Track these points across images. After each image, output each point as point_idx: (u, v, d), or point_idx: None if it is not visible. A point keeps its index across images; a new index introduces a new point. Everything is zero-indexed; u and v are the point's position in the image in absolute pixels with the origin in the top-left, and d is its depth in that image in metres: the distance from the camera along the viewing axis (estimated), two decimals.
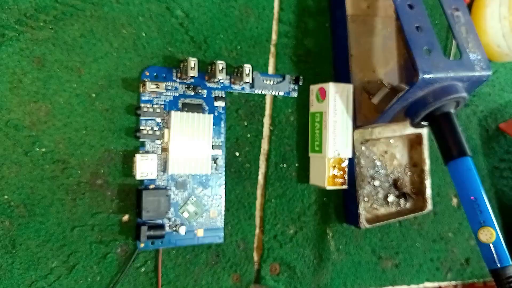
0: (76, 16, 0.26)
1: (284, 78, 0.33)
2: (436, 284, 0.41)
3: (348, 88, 0.32)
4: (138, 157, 0.27)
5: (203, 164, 0.29)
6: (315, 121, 0.33)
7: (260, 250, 0.33)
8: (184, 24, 0.30)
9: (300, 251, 0.34)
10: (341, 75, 0.34)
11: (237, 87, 0.31)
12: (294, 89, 0.33)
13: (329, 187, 0.32)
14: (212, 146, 0.30)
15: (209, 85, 0.30)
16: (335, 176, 0.32)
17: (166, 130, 0.28)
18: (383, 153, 0.37)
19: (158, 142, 0.28)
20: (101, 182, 0.27)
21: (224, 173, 0.31)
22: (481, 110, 0.44)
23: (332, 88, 0.32)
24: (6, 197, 0.25)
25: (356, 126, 0.33)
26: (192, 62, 0.28)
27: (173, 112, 0.28)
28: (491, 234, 0.26)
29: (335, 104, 0.32)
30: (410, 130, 0.36)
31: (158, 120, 0.28)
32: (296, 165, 0.34)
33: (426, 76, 0.27)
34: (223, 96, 0.31)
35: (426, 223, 0.40)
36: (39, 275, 0.25)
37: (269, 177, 0.33)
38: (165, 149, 0.28)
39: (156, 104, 0.28)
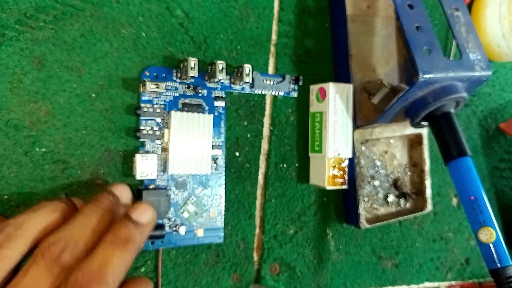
0: (76, 16, 0.26)
1: (284, 78, 0.33)
2: (436, 284, 0.41)
3: (348, 88, 0.32)
4: (138, 157, 0.27)
5: (203, 164, 0.29)
6: (315, 121, 0.33)
7: (260, 250, 0.33)
8: (184, 24, 0.30)
9: (300, 251, 0.34)
10: (341, 75, 0.34)
11: (237, 87, 0.31)
12: (294, 89, 0.33)
13: (329, 187, 0.32)
14: (212, 146, 0.30)
15: (209, 85, 0.30)
16: (335, 176, 0.32)
17: (166, 130, 0.28)
18: (383, 153, 0.37)
19: (158, 142, 0.28)
20: (101, 182, 0.27)
21: (224, 173, 0.31)
22: (481, 110, 0.44)
23: (332, 88, 0.32)
24: (6, 197, 0.25)
25: (356, 126, 0.33)
26: (192, 62, 0.28)
27: (173, 112, 0.28)
28: (491, 234, 0.26)
29: (335, 104, 0.32)
30: (410, 130, 0.36)
31: (158, 120, 0.28)
32: (296, 165, 0.34)
33: (426, 76, 0.27)
34: (223, 96, 0.31)
35: (426, 223, 0.40)
36: None
37: (269, 177, 0.33)
38: (165, 149, 0.28)
39: (156, 104, 0.28)
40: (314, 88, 0.33)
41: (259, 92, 0.32)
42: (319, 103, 0.32)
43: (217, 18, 0.31)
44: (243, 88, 0.31)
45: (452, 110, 0.30)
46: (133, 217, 0.23)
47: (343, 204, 0.36)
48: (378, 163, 0.36)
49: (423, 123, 0.31)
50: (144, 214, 0.23)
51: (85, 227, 0.21)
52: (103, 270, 0.20)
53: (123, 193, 0.25)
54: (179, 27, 0.30)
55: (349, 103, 0.32)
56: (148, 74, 0.28)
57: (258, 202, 0.33)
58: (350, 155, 0.32)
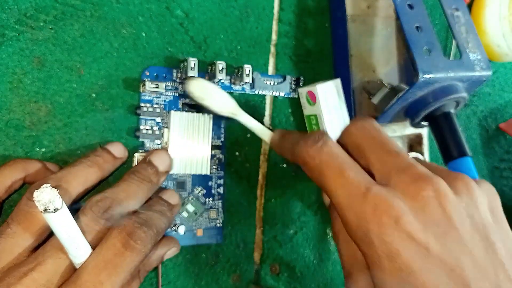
0: (76, 16, 0.27)
1: (284, 79, 0.33)
2: None
3: (336, 83, 0.31)
4: (137, 156, 0.27)
5: (202, 164, 0.29)
6: (311, 123, 0.33)
7: (260, 250, 0.33)
8: (184, 24, 0.30)
9: (300, 251, 0.34)
10: (341, 75, 0.34)
11: (237, 88, 0.31)
12: (294, 90, 0.33)
13: None
14: (212, 146, 0.30)
15: None
16: None
17: (165, 130, 0.28)
18: None
19: (158, 141, 0.28)
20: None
21: (223, 173, 0.31)
22: (481, 110, 0.44)
23: (320, 90, 0.31)
24: None
25: None
26: (192, 62, 0.28)
27: (172, 112, 0.28)
28: None
29: (327, 104, 0.31)
30: (410, 130, 0.36)
31: (158, 119, 0.28)
32: (296, 165, 0.34)
33: (426, 76, 0.27)
34: None
35: None
36: None
37: (269, 177, 0.33)
38: (164, 149, 0.28)
39: (156, 104, 0.28)
40: (302, 92, 0.33)
41: (260, 93, 0.32)
42: (311, 106, 0.32)
43: (217, 18, 0.31)
44: (243, 89, 0.31)
45: (452, 110, 0.30)
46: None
47: None
48: None
49: (423, 123, 0.31)
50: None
51: (127, 193, 0.24)
52: (148, 221, 0.22)
53: (162, 161, 0.26)
54: (179, 27, 0.30)
55: (340, 97, 0.31)
56: (148, 74, 0.28)
57: (258, 202, 0.33)
58: None
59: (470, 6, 0.43)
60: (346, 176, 0.21)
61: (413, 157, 0.23)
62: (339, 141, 0.24)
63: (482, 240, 0.19)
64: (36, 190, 0.17)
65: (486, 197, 0.20)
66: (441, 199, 0.19)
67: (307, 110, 0.33)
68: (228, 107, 0.28)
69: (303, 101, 0.33)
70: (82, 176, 0.23)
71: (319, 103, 0.31)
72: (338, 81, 0.32)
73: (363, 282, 0.19)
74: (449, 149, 0.29)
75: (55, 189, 0.17)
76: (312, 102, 0.32)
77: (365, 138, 0.23)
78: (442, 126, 0.29)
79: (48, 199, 0.17)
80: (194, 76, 0.28)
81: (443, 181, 0.20)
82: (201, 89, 0.27)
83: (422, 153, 0.37)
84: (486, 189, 0.21)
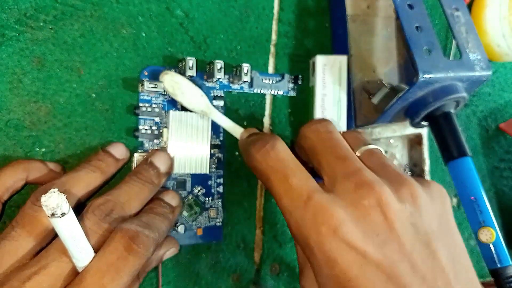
0: (76, 16, 0.27)
1: (283, 77, 0.33)
2: None
3: (341, 60, 0.31)
4: (136, 156, 0.27)
5: (202, 163, 0.29)
6: (309, 96, 0.32)
7: (260, 250, 0.33)
8: (184, 24, 0.30)
9: None
10: None
11: (236, 87, 0.31)
12: (293, 88, 0.33)
13: None
14: (212, 145, 0.30)
15: (208, 84, 0.30)
16: None
17: (164, 130, 0.28)
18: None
19: (157, 141, 0.28)
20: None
21: (223, 172, 0.31)
22: (481, 110, 0.44)
23: (319, 60, 0.31)
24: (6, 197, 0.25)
25: (356, 126, 0.33)
26: (190, 61, 0.28)
27: (171, 112, 0.28)
28: (491, 234, 0.26)
29: (323, 77, 0.31)
30: (410, 130, 0.36)
31: (157, 119, 0.28)
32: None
33: (426, 76, 0.27)
34: (222, 95, 0.31)
35: None
36: None
37: None
38: (164, 149, 0.28)
39: (155, 103, 0.28)
40: (311, 62, 0.33)
41: (258, 92, 0.32)
42: (312, 77, 0.32)
43: (217, 18, 0.31)
44: (242, 88, 0.31)
45: (452, 110, 0.30)
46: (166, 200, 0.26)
47: None
48: None
49: (423, 123, 0.31)
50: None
51: (129, 195, 0.24)
52: (151, 224, 0.23)
53: (163, 162, 0.26)
54: (179, 27, 0.30)
55: (342, 76, 0.31)
56: (146, 73, 0.28)
57: (258, 202, 0.33)
58: (344, 129, 0.32)
59: (470, 6, 0.43)
60: (289, 183, 0.21)
61: (369, 149, 0.23)
62: (297, 143, 0.24)
63: (424, 247, 0.19)
64: (43, 195, 0.17)
65: (433, 202, 0.20)
66: (383, 207, 0.19)
67: (310, 81, 0.33)
68: (200, 104, 0.28)
69: (310, 72, 0.33)
70: (85, 181, 0.24)
71: (316, 74, 0.31)
72: (344, 58, 0.31)
73: (313, 280, 0.20)
74: (449, 149, 0.29)
75: (63, 194, 0.17)
76: (313, 72, 0.32)
77: (317, 142, 0.23)
78: (442, 126, 0.29)
79: (56, 204, 0.17)
80: (168, 71, 0.27)
81: (387, 188, 0.20)
82: (174, 84, 0.26)
83: (422, 153, 0.37)
84: (434, 193, 0.21)
